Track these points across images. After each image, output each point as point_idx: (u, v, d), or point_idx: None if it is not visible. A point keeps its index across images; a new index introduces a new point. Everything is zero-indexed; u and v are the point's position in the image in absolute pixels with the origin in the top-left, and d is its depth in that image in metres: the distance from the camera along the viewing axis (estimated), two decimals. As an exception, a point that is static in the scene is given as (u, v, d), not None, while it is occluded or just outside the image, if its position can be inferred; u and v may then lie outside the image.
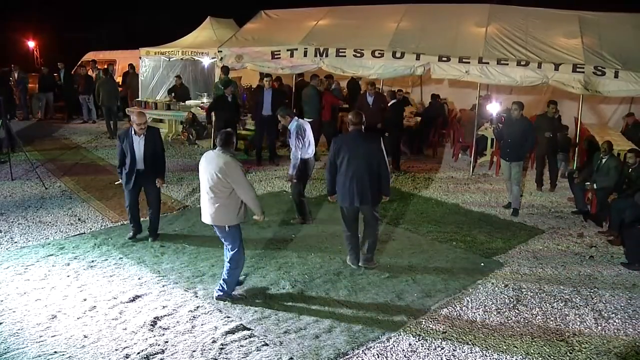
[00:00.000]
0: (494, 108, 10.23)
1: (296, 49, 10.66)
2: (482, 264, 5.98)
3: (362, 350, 4.29)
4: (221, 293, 5.02)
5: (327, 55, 10.43)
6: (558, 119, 9.33)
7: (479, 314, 4.89)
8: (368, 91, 10.12)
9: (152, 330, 4.50)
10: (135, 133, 6.01)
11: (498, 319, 4.83)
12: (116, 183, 6.51)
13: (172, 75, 14.50)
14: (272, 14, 12.56)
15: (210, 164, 4.82)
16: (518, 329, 4.65)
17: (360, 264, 5.80)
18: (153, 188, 6.31)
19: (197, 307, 4.90)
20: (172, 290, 5.21)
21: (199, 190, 8.35)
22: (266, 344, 4.34)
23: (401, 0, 12.04)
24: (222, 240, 5.06)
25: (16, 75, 15.15)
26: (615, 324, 4.78)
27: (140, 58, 13.92)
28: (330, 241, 6.54)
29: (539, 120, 9.15)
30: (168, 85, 14.50)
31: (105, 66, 15.31)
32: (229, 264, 5.00)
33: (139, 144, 6.03)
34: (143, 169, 6.11)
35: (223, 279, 5.02)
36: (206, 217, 4.96)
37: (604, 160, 7.43)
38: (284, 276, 5.56)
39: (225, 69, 11.05)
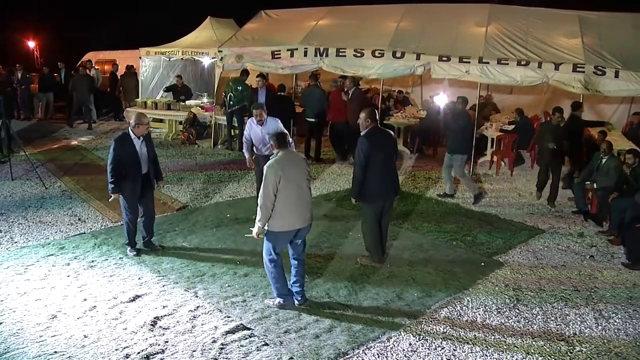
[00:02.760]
0: (441, 100, 10.28)
1: (296, 49, 10.67)
2: (483, 264, 5.97)
3: (363, 350, 4.28)
4: (303, 297, 4.96)
5: (327, 55, 10.44)
6: (564, 127, 8.37)
7: (479, 314, 4.89)
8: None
9: (152, 330, 4.49)
10: (135, 136, 5.80)
11: (498, 318, 4.83)
12: (110, 200, 6.02)
13: (173, 75, 14.52)
14: (272, 14, 12.57)
15: (298, 164, 4.75)
16: (518, 329, 4.65)
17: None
18: (151, 193, 6.18)
19: (197, 307, 4.90)
20: (172, 290, 5.20)
21: (200, 190, 8.23)
22: (266, 344, 4.33)
23: (401, 0, 12.03)
24: (301, 240, 4.90)
25: (19, 75, 15.19)
26: (615, 323, 4.78)
27: (140, 58, 13.94)
28: (331, 241, 6.53)
29: (543, 128, 8.51)
30: (169, 85, 14.52)
31: (78, 65, 15.95)
32: (303, 261, 4.95)
33: (141, 147, 5.84)
34: (146, 173, 5.96)
35: (303, 286, 4.95)
36: (303, 220, 4.76)
37: (604, 160, 7.43)
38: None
39: (245, 72, 11.20)
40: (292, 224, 4.71)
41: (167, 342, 4.33)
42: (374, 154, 5.52)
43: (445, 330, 4.60)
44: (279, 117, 6.98)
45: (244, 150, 7.16)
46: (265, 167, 4.66)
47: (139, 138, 5.82)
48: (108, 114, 16.06)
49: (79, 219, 7.19)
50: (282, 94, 10.82)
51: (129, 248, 6.04)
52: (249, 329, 4.55)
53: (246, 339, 4.40)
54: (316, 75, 10.96)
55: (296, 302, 4.94)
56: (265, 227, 4.71)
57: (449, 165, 8.29)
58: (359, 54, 10.19)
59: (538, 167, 9.90)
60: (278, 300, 4.89)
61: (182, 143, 12.18)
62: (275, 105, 9.45)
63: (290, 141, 5.31)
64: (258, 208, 4.66)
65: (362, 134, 5.63)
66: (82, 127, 14.26)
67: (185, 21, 15.52)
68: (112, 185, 5.75)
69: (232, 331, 4.50)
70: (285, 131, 5.34)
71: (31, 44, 30.52)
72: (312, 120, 10.48)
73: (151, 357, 4.13)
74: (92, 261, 5.82)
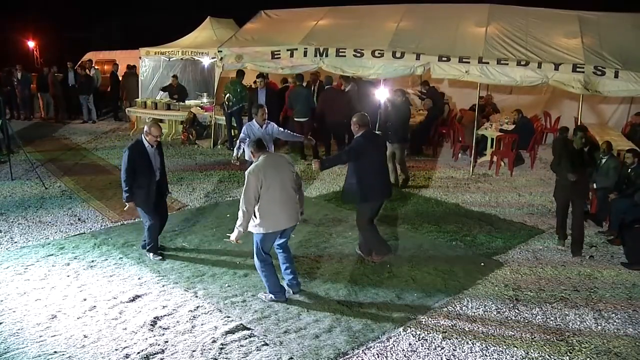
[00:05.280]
0: (382, 94, 10.51)
1: (296, 49, 10.65)
2: (482, 264, 5.97)
3: (362, 350, 4.29)
4: (297, 284, 5.19)
5: (327, 55, 10.42)
6: (589, 151, 6.60)
7: (479, 314, 4.89)
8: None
9: (152, 330, 4.50)
10: (149, 144, 5.73)
11: (498, 318, 4.83)
12: (126, 209, 5.90)
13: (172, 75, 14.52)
14: (272, 14, 12.55)
15: (280, 166, 4.90)
16: (518, 329, 4.65)
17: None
18: (164, 199, 6.17)
19: (197, 307, 4.90)
20: (172, 290, 5.21)
21: (199, 190, 8.22)
22: (266, 344, 4.34)
23: (401, 0, 12.03)
24: (288, 238, 5.10)
25: (19, 75, 15.20)
26: (615, 323, 4.78)
27: (140, 58, 13.93)
28: (330, 241, 6.54)
29: (560, 151, 6.73)
30: (165, 85, 14.50)
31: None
32: (287, 248, 5.15)
33: (154, 156, 5.81)
34: (159, 179, 5.91)
35: (295, 273, 5.18)
36: (290, 220, 4.92)
37: (603, 161, 7.43)
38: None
39: (241, 73, 11.32)
40: (278, 225, 4.85)
41: (167, 342, 4.34)
42: (370, 151, 5.63)
43: (444, 330, 4.61)
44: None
45: (235, 148, 7.11)
46: (246, 173, 4.77)
47: (152, 146, 5.77)
48: (108, 114, 16.07)
49: (79, 219, 7.19)
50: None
51: (151, 254, 5.93)
52: (248, 329, 4.56)
53: (246, 339, 4.41)
54: (302, 75, 10.94)
55: (291, 291, 5.10)
56: (257, 230, 4.82)
57: (392, 155, 8.67)
58: (358, 54, 10.18)
59: (539, 172, 9.96)
60: (270, 295, 5.02)
61: (182, 143, 12.19)
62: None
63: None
64: (239, 212, 4.75)
65: (356, 136, 5.76)
66: (82, 127, 14.27)
67: (186, 21, 15.52)
68: (127, 194, 5.62)
69: (232, 331, 4.51)
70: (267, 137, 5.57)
71: (31, 43, 30.55)
72: (302, 120, 10.49)
73: (151, 357, 4.14)
74: (92, 261, 5.83)
